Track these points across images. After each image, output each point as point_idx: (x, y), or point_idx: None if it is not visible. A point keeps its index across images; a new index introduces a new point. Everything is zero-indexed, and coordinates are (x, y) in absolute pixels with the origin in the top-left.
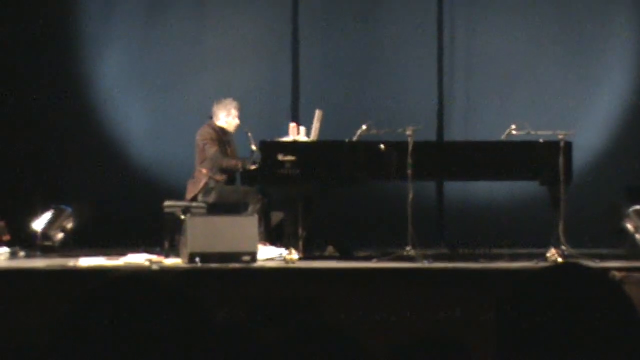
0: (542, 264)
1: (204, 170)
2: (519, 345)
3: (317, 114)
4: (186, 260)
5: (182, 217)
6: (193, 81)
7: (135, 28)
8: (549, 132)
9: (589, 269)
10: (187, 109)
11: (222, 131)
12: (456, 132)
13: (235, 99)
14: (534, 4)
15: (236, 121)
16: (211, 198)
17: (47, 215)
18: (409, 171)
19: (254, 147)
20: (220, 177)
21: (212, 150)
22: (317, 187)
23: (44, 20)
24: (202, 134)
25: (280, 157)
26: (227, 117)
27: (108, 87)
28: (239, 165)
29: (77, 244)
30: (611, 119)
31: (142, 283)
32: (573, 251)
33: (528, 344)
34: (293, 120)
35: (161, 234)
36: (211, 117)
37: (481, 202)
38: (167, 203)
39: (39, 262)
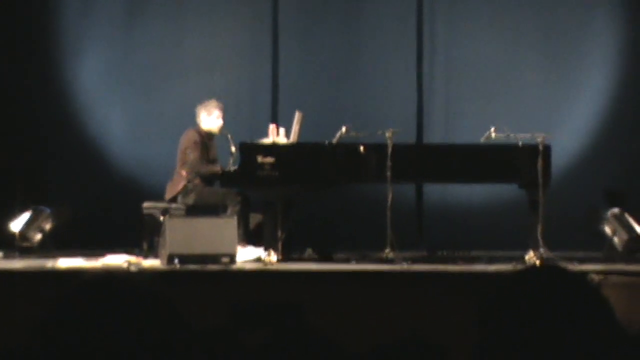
0: (520, 267)
1: (184, 173)
2: (498, 347)
3: (297, 115)
4: (165, 262)
5: (161, 218)
6: (173, 83)
7: (115, 30)
8: (528, 135)
9: (567, 271)
10: (167, 111)
11: (207, 135)
12: (436, 135)
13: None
14: (513, 8)
15: (219, 122)
16: (190, 199)
17: (25, 216)
18: (389, 173)
19: (233, 149)
20: (198, 181)
21: (192, 155)
22: (296, 189)
23: (23, 21)
24: (186, 137)
25: (259, 159)
26: (208, 117)
27: (88, 88)
28: (219, 172)
29: (55, 245)
30: (590, 123)
31: (120, 285)
32: (551, 254)
33: (507, 346)
34: (273, 122)
35: (140, 235)
36: (196, 121)
37: (460, 204)
38: (146, 204)
39: (17, 263)
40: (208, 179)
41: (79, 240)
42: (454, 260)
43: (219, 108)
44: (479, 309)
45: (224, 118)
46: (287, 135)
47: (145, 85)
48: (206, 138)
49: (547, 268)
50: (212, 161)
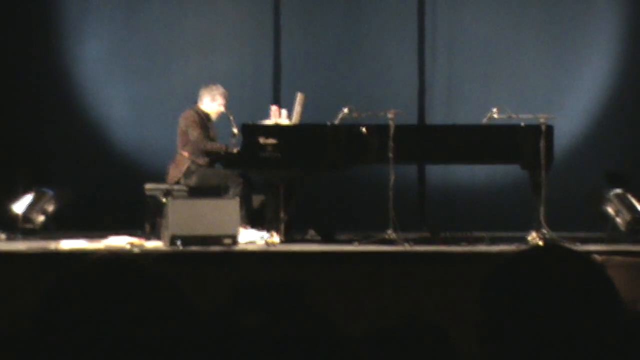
0: (523, 247)
1: (186, 154)
2: (501, 328)
3: (299, 97)
4: (167, 243)
5: (164, 200)
6: (175, 65)
7: (116, 12)
8: (530, 116)
9: (570, 250)
10: (169, 93)
11: (206, 116)
12: (438, 116)
13: (218, 82)
14: None
15: (220, 109)
16: (192, 181)
17: (28, 198)
18: (391, 155)
19: (235, 130)
20: (203, 161)
21: (194, 133)
22: (298, 171)
23: (25, 5)
24: (185, 117)
25: (261, 140)
26: (211, 103)
27: (89, 70)
28: (222, 149)
29: (58, 226)
30: (592, 103)
31: (122, 266)
32: (554, 234)
33: (509, 327)
34: (275, 104)
35: (143, 216)
36: (197, 102)
37: (463, 185)
38: (148, 186)
39: (20, 245)
40: (211, 158)
41: (81, 222)
42: (456, 241)
43: (224, 96)
44: (481, 289)
45: (226, 106)
46: (289, 116)
47: (147, 66)
48: (205, 118)
49: (549, 248)
50: (213, 140)
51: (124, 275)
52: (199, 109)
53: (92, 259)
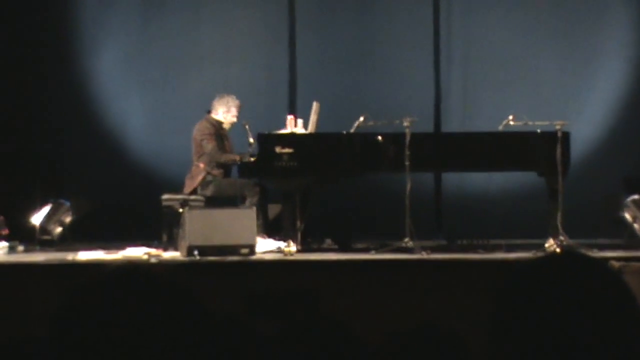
0: (540, 254)
1: (202, 165)
2: (517, 335)
3: (315, 106)
4: (185, 254)
5: (181, 210)
6: (191, 75)
7: (132, 22)
8: (547, 123)
9: (588, 257)
10: (185, 103)
11: (219, 125)
12: (454, 123)
13: (233, 92)
14: None
15: (233, 120)
16: (209, 191)
17: (45, 210)
18: (407, 163)
19: (251, 140)
20: (218, 172)
21: (209, 146)
22: (315, 179)
23: (41, 15)
24: (199, 129)
25: (277, 149)
26: (225, 114)
27: (105, 81)
28: (237, 160)
29: (75, 238)
30: (609, 109)
31: (140, 276)
32: (571, 241)
33: (526, 334)
34: (290, 113)
35: (160, 227)
36: (209, 112)
37: (479, 193)
38: (165, 196)
39: (38, 257)
40: (226, 169)
41: (98, 233)
42: (473, 249)
43: (238, 108)
44: (497, 296)
45: (239, 116)
46: (305, 125)
47: (162, 76)
48: (218, 127)
49: (567, 255)
50: (228, 150)
51: (141, 284)
52: (212, 119)
53: (109, 269)
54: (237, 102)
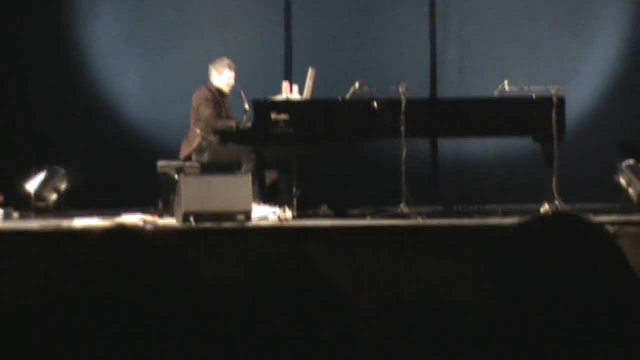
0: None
1: (198, 131)
2: (512, 298)
3: (310, 72)
4: (180, 220)
5: (176, 176)
6: (187, 42)
7: None
8: (542, 88)
9: (580, 218)
10: (181, 70)
11: (218, 92)
12: (449, 89)
13: (229, 58)
14: None
15: (229, 81)
16: (205, 157)
17: (40, 176)
18: (403, 129)
19: (247, 106)
20: (214, 138)
21: (206, 112)
22: (310, 146)
23: None
24: (198, 95)
25: (273, 116)
26: (219, 77)
27: (102, 48)
28: (233, 127)
29: (71, 204)
30: (604, 75)
31: (135, 241)
32: (567, 206)
33: (520, 295)
34: (286, 79)
35: (155, 194)
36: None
37: (475, 159)
38: (160, 163)
39: (33, 223)
40: (222, 136)
41: (94, 200)
42: (469, 215)
43: (230, 67)
44: (491, 258)
45: (236, 77)
46: (301, 91)
47: (159, 44)
48: (218, 95)
49: (559, 215)
50: (226, 117)
51: (132, 246)
52: (211, 85)
53: (98, 233)
54: (226, 62)
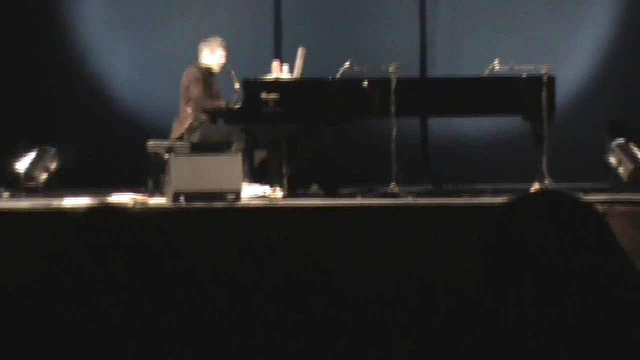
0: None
1: (189, 110)
2: (500, 275)
3: (300, 51)
4: (170, 200)
5: (166, 156)
6: (177, 22)
7: None
8: (532, 67)
9: (569, 196)
10: (171, 50)
11: (208, 71)
12: (439, 68)
13: (218, 36)
14: None
15: (220, 60)
16: (195, 137)
17: (31, 156)
18: (393, 108)
19: (237, 86)
20: (205, 117)
21: (195, 91)
22: (300, 125)
23: None
24: (187, 74)
25: (263, 95)
26: (211, 55)
27: (91, 28)
28: (223, 107)
29: (61, 184)
30: (594, 54)
31: (114, 215)
32: (557, 185)
33: (509, 274)
34: (276, 58)
35: (145, 173)
36: (198, 58)
37: (465, 138)
38: (151, 143)
39: (23, 203)
40: (212, 115)
41: (84, 180)
42: (459, 194)
43: (223, 47)
44: (480, 237)
45: (227, 57)
46: (291, 71)
47: (148, 23)
48: (207, 74)
49: (548, 194)
50: (216, 97)
51: (115, 224)
52: (201, 64)
53: (84, 210)
54: (219, 40)
